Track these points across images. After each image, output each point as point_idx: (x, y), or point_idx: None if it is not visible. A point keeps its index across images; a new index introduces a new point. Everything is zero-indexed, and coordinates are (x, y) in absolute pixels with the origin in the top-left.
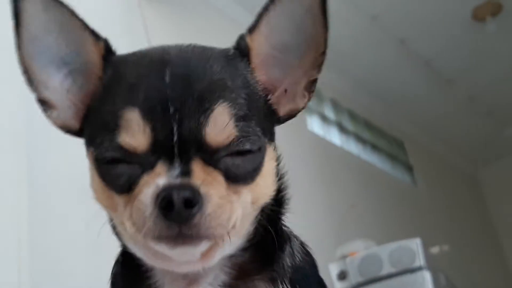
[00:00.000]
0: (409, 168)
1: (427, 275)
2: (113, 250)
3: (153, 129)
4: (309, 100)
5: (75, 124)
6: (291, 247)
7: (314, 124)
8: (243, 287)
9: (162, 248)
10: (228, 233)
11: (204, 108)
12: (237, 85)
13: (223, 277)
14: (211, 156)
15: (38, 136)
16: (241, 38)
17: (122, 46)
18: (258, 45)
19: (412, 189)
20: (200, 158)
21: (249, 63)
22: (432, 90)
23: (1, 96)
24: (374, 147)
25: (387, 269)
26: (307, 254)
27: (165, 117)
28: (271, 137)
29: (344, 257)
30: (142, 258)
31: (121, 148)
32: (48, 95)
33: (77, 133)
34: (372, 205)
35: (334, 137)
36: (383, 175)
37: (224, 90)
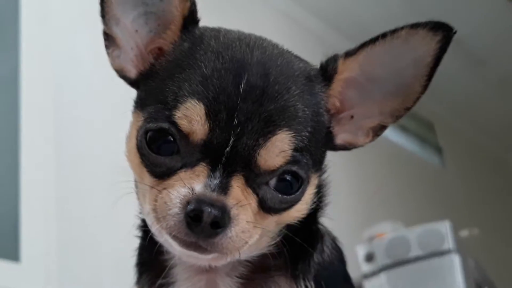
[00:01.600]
0: (438, 150)
1: (456, 259)
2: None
3: (211, 130)
4: (370, 141)
5: (132, 71)
6: (322, 244)
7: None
8: (261, 281)
9: (173, 244)
10: (239, 251)
11: (267, 131)
12: (308, 116)
13: (241, 269)
14: (255, 178)
15: (65, 113)
16: (333, 60)
17: None
18: (348, 69)
19: (441, 171)
20: (244, 176)
21: (329, 87)
22: (463, 71)
23: (31, 76)
24: (403, 128)
25: (415, 252)
26: (336, 250)
27: (226, 126)
28: (320, 166)
29: (371, 238)
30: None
31: (174, 124)
32: (116, 31)
33: (131, 83)
34: (400, 186)
35: None
36: (412, 157)
37: (293, 119)
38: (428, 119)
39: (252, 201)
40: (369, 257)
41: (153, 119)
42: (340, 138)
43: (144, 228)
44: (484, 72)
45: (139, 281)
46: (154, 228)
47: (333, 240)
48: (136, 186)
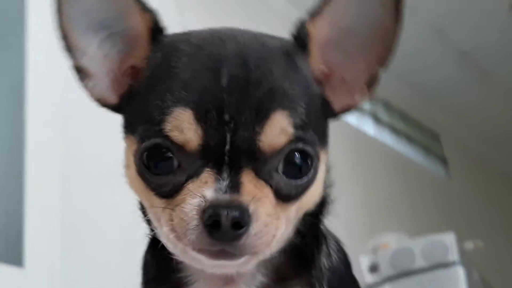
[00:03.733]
0: (443, 161)
1: (460, 271)
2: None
3: (205, 133)
4: (368, 97)
5: (112, 97)
6: (327, 246)
7: (348, 114)
8: None
9: (201, 258)
10: (269, 247)
11: (260, 117)
12: (298, 92)
13: (260, 279)
14: (263, 168)
15: (71, 117)
16: (302, 25)
17: None
18: (320, 30)
19: (446, 182)
20: (252, 169)
21: (309, 55)
22: (469, 82)
23: (36, 80)
24: (409, 139)
25: (419, 263)
26: (341, 253)
27: (219, 124)
28: (326, 140)
29: (375, 249)
30: (174, 253)
31: (167, 138)
32: (85, 62)
33: (115, 109)
34: (405, 197)
35: (368, 127)
36: (417, 167)
37: (284, 99)
38: (433, 129)
39: (268, 192)
40: (373, 268)
41: (145, 138)
42: (338, 103)
43: (155, 246)
44: (490, 83)
45: None
46: (178, 248)
47: (337, 242)
48: (146, 212)
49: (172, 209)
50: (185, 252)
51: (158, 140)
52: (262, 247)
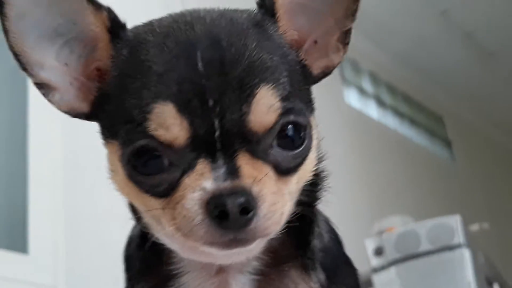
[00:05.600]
0: (447, 144)
1: (466, 253)
2: None
3: (191, 124)
4: (344, 53)
5: (83, 106)
6: (318, 226)
7: (352, 97)
8: (275, 275)
9: (213, 251)
10: (280, 224)
11: (245, 96)
12: (276, 61)
13: (254, 264)
14: (258, 146)
15: None
16: None
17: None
18: None
19: (450, 164)
20: (247, 150)
21: (278, 22)
22: (473, 64)
23: None
24: (412, 122)
25: (425, 246)
26: (332, 232)
27: (204, 111)
28: (312, 107)
29: (380, 232)
30: (173, 249)
31: (153, 138)
32: (46, 75)
33: (88, 117)
34: (409, 180)
35: (372, 110)
36: (421, 150)
37: (265, 72)
38: (437, 112)
39: (266, 170)
40: (379, 251)
41: (129, 141)
42: (316, 67)
43: (143, 237)
44: (494, 64)
45: None
46: (186, 245)
47: (326, 221)
48: (141, 217)
49: (173, 208)
50: (194, 249)
51: (143, 142)
52: (273, 226)
